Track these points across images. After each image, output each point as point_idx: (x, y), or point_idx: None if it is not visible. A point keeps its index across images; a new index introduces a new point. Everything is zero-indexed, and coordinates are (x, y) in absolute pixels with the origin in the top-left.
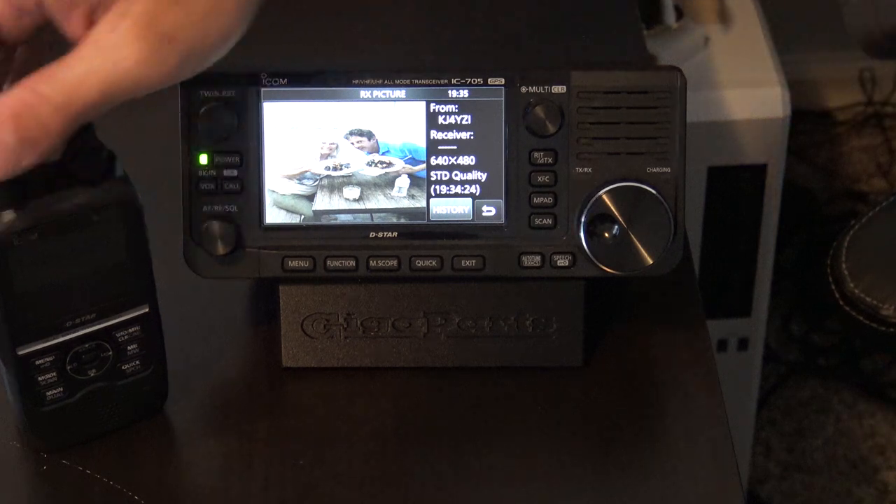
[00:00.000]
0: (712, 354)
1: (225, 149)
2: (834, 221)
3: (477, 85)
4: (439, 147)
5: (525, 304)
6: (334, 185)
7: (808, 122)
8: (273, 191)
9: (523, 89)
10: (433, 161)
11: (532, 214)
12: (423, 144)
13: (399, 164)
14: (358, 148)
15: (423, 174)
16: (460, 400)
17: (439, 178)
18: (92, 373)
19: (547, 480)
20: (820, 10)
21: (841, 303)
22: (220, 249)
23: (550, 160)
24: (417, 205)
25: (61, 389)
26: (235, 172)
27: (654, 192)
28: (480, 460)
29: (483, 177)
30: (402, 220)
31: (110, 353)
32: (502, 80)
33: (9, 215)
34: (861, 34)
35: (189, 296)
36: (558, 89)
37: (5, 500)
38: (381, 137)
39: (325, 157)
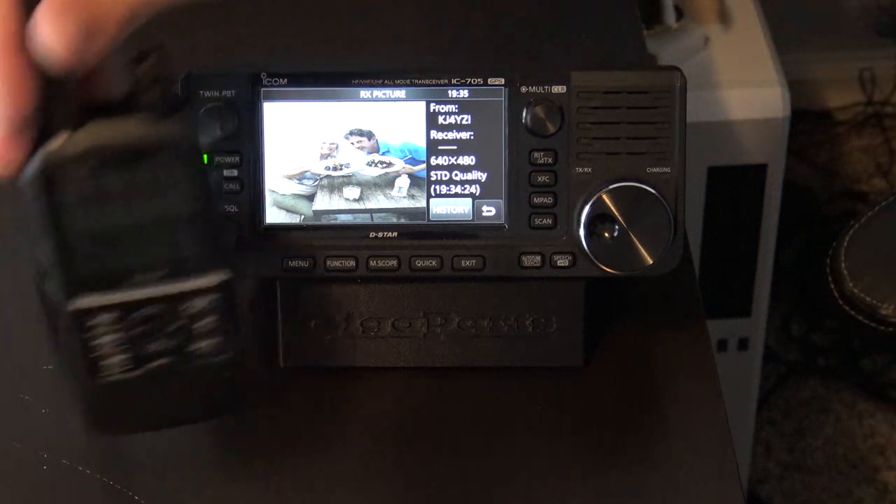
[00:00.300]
0: (712, 354)
1: (225, 149)
2: (834, 221)
3: (477, 85)
4: (439, 147)
5: (525, 304)
6: (334, 185)
7: (808, 122)
8: (273, 191)
9: (523, 89)
10: (433, 161)
11: (532, 214)
12: (423, 144)
13: (399, 164)
14: (358, 148)
15: (423, 174)
16: (460, 400)
17: (439, 178)
18: (157, 346)
19: (547, 480)
20: (820, 10)
21: (840, 302)
22: None
23: (550, 160)
24: (417, 205)
25: (121, 360)
26: (235, 172)
27: (654, 192)
28: (480, 460)
29: (483, 177)
30: (402, 220)
31: (180, 324)
32: (502, 80)
33: (61, 138)
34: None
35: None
36: (558, 89)
37: (5, 500)
38: (381, 137)
39: (325, 157)
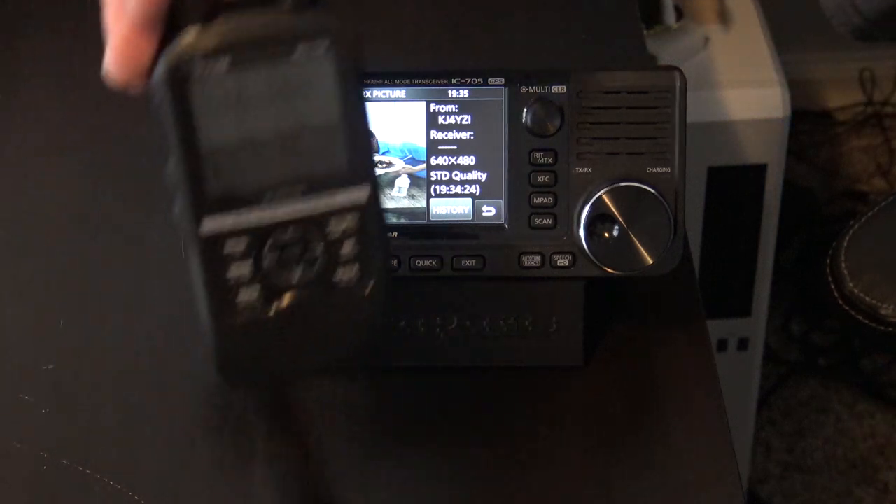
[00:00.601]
0: (712, 354)
1: None
2: (834, 221)
3: (477, 85)
4: (439, 147)
5: (525, 304)
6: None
7: (808, 122)
8: None
9: (523, 89)
10: (433, 161)
11: (532, 214)
12: (423, 144)
13: (399, 164)
14: None
15: (423, 174)
16: (461, 400)
17: (439, 178)
18: (295, 277)
19: (547, 480)
20: (820, 10)
21: (840, 302)
22: None
23: (550, 160)
24: (417, 205)
25: (257, 292)
26: None
27: (654, 192)
28: (481, 460)
29: (483, 177)
30: (402, 220)
31: (321, 248)
32: (502, 80)
33: (192, 33)
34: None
35: (189, 296)
36: (558, 89)
37: (5, 500)
38: (381, 137)
39: None
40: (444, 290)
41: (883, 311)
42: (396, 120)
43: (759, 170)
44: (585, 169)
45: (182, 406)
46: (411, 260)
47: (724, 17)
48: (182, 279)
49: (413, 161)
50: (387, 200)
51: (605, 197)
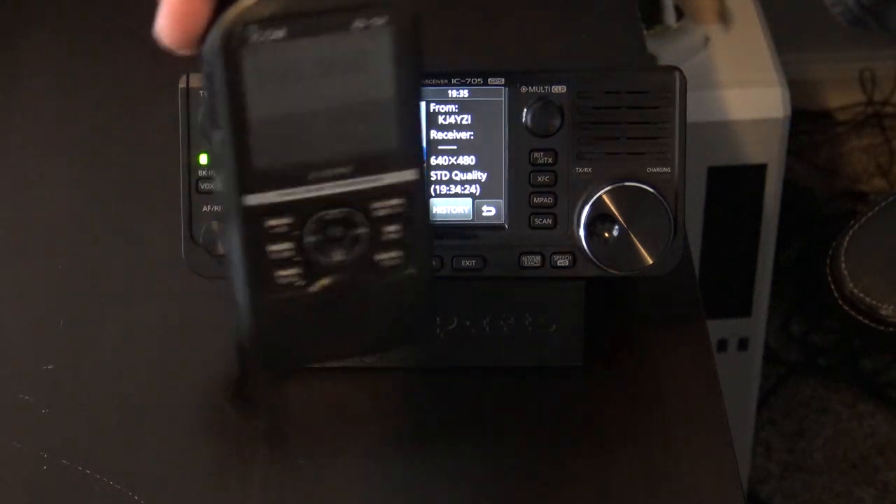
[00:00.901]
0: (712, 354)
1: None
2: (834, 221)
3: (477, 85)
4: (439, 147)
5: (525, 304)
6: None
7: (808, 122)
8: None
9: (523, 89)
10: (433, 161)
11: (532, 214)
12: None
13: None
14: None
15: None
16: (460, 400)
17: (439, 178)
18: (338, 255)
19: (547, 480)
20: (820, 10)
21: (840, 303)
22: (221, 249)
23: (550, 160)
24: None
25: (297, 271)
26: None
27: (654, 192)
28: (480, 460)
29: (483, 177)
30: None
31: (364, 230)
32: (502, 80)
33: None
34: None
35: (189, 296)
36: (558, 89)
37: (5, 500)
38: None
39: None
40: (444, 290)
41: (883, 312)
42: None
43: (759, 170)
44: (585, 169)
45: (182, 406)
46: None
47: (724, 17)
48: (181, 278)
49: None
50: None
51: (605, 197)
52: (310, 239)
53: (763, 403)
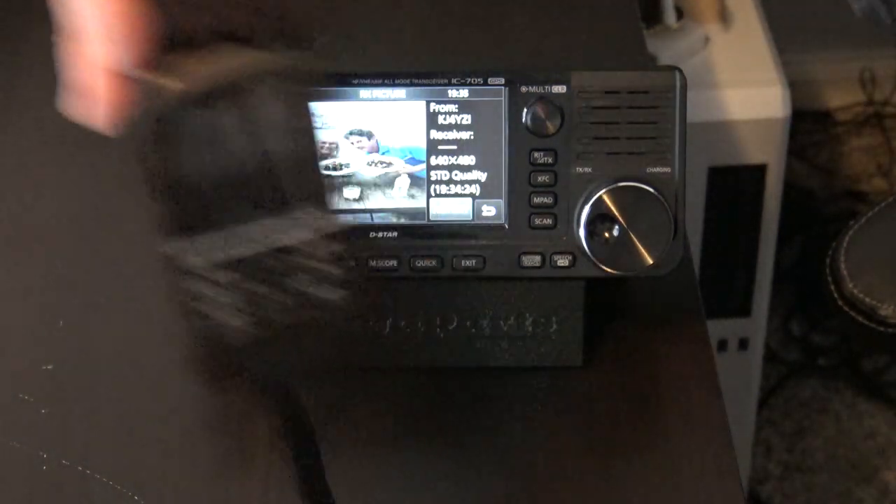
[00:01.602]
0: (712, 354)
1: None
2: (834, 221)
3: (477, 85)
4: (439, 147)
5: (525, 304)
6: (334, 185)
7: (808, 122)
8: None
9: (523, 89)
10: (433, 161)
11: (532, 214)
12: (423, 144)
13: (399, 164)
14: (358, 148)
15: (423, 174)
16: (460, 400)
17: (439, 178)
18: (267, 298)
19: (547, 480)
20: (820, 10)
21: (840, 303)
22: None
23: (550, 160)
24: (417, 205)
25: (229, 317)
26: None
27: (654, 192)
28: (481, 460)
29: (483, 177)
30: (402, 220)
31: (290, 272)
32: (502, 80)
33: (175, 83)
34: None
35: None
36: (558, 89)
37: (5, 500)
38: (381, 137)
39: (324, 156)
40: (444, 290)
41: (883, 312)
42: (396, 120)
43: (759, 170)
44: (585, 169)
45: (182, 406)
46: (411, 260)
47: (724, 17)
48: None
49: (413, 161)
50: (387, 200)
51: (605, 197)
52: (242, 286)
53: (763, 403)
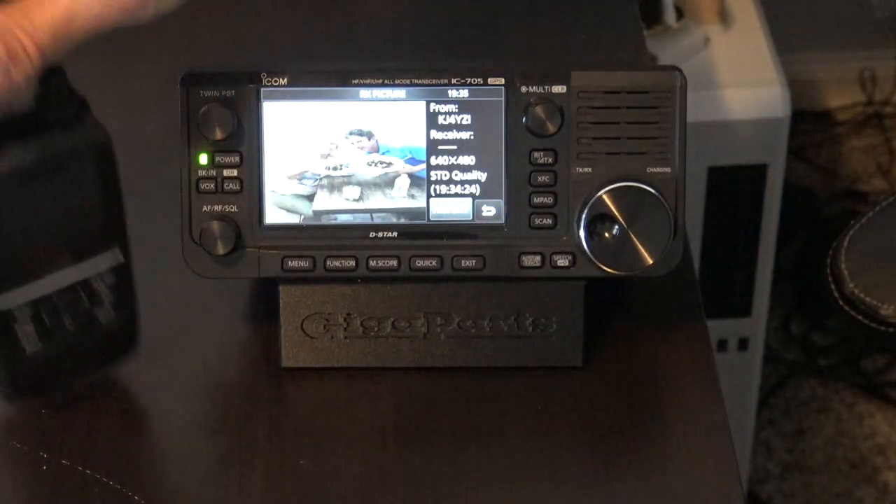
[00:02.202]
0: (712, 354)
1: (225, 148)
2: (834, 221)
3: (477, 85)
4: (439, 147)
5: (525, 304)
6: (334, 184)
7: (808, 122)
8: (273, 191)
9: (523, 89)
10: (433, 161)
11: (532, 214)
12: (423, 144)
13: (399, 164)
14: (358, 148)
15: (423, 174)
16: (460, 400)
17: (439, 178)
18: (66, 325)
19: (547, 480)
20: (820, 10)
21: (841, 303)
22: (220, 249)
23: (550, 160)
24: (417, 205)
25: (36, 345)
26: (235, 172)
27: (654, 192)
28: (480, 460)
29: (483, 177)
30: (402, 220)
31: (84, 298)
32: (502, 80)
33: None
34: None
35: (189, 296)
36: (558, 89)
37: (5, 500)
38: (381, 137)
39: (324, 156)
40: (444, 290)
41: (883, 312)
42: (396, 120)
43: (759, 170)
44: (585, 169)
45: (182, 406)
46: (411, 260)
47: (724, 17)
48: (181, 278)
49: (413, 161)
50: (387, 200)
51: (605, 197)
52: (45, 319)
53: (763, 403)
